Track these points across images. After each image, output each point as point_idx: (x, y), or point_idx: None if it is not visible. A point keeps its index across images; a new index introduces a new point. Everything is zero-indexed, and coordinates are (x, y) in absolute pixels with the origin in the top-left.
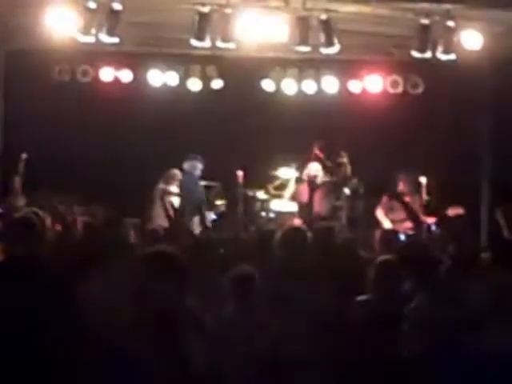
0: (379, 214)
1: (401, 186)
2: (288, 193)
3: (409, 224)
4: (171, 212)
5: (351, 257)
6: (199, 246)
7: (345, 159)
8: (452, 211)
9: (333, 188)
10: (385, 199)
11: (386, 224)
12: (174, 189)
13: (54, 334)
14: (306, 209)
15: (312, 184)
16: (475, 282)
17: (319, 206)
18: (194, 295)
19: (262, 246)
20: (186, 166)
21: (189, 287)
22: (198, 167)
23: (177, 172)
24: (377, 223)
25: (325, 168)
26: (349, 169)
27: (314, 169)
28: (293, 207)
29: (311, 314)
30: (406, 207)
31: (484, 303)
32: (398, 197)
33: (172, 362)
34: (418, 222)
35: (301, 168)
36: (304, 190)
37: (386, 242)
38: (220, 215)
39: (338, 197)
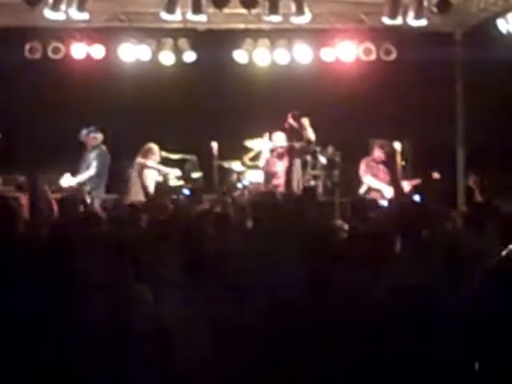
0: (371, 181)
1: (377, 152)
2: (261, 164)
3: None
4: (149, 186)
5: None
6: (176, 219)
7: (305, 123)
8: (429, 176)
9: (296, 153)
10: (364, 165)
11: (386, 191)
12: (151, 163)
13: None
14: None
15: (278, 154)
16: None
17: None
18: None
19: (238, 216)
20: (93, 140)
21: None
22: (100, 138)
23: (154, 146)
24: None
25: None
26: (309, 132)
27: (279, 139)
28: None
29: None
30: (392, 172)
31: None
32: (387, 161)
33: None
34: (398, 188)
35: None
36: (272, 160)
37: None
38: (192, 191)
39: (315, 166)
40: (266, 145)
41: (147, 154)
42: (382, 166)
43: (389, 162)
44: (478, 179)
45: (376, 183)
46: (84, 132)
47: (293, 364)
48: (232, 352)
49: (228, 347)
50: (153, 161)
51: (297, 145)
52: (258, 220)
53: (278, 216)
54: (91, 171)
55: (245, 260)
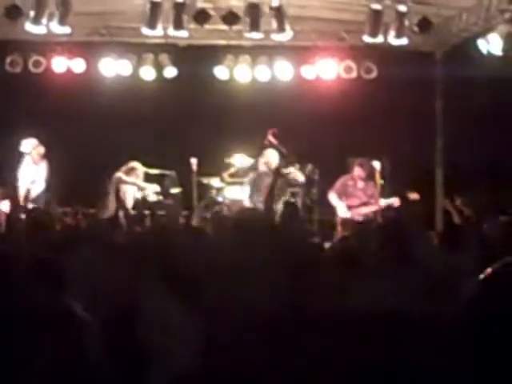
0: (333, 198)
1: (357, 171)
2: (248, 179)
3: (364, 209)
4: (125, 201)
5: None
6: (153, 232)
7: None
8: (409, 196)
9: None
10: (339, 184)
11: (341, 209)
12: (129, 178)
13: None
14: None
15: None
16: None
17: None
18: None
19: (217, 232)
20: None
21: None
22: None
23: (137, 165)
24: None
25: (281, 154)
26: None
27: (273, 156)
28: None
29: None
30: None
31: None
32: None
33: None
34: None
35: (256, 155)
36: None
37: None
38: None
39: (293, 183)
40: (247, 161)
41: (130, 172)
42: (360, 184)
43: (368, 179)
44: (454, 201)
45: (335, 201)
46: (29, 144)
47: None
48: (212, 366)
49: (208, 361)
50: (133, 179)
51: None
52: (238, 235)
53: (259, 232)
54: (42, 185)
55: (222, 274)
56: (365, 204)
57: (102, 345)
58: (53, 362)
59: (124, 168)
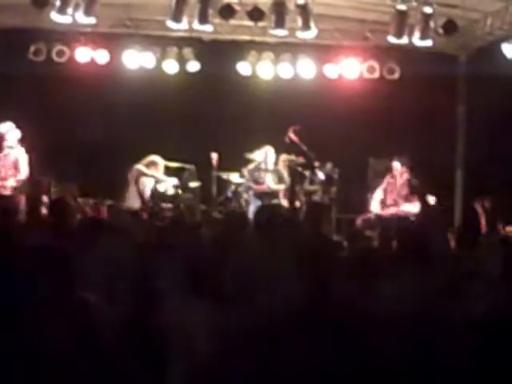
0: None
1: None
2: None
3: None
4: (145, 194)
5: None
6: (174, 227)
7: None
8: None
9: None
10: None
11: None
12: (149, 171)
13: None
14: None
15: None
16: None
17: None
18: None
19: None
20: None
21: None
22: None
23: (158, 159)
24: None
25: (301, 152)
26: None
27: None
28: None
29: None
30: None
31: None
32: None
33: None
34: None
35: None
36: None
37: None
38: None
39: (313, 181)
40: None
41: (150, 165)
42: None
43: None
44: (485, 204)
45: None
46: (3, 127)
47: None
48: (231, 361)
49: (227, 356)
50: (153, 172)
51: (296, 159)
52: (262, 231)
53: (282, 229)
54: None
55: (244, 271)
56: (404, 200)
57: (118, 336)
58: (68, 351)
59: (144, 161)
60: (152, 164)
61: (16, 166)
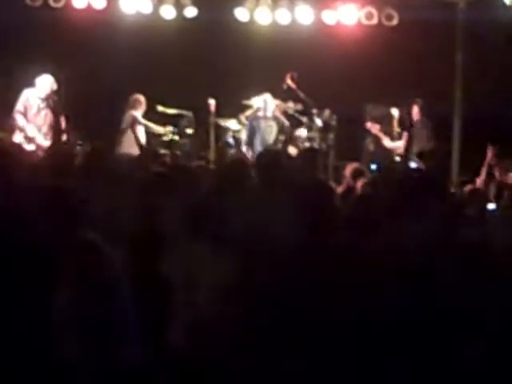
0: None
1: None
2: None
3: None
4: (142, 140)
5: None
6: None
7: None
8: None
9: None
10: None
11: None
12: (139, 114)
13: None
14: None
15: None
16: None
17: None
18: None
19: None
20: None
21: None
22: None
23: (141, 96)
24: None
25: (298, 98)
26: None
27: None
28: None
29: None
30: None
31: None
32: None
33: None
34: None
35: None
36: None
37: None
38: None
39: (310, 127)
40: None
41: (135, 104)
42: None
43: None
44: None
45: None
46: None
47: (293, 317)
48: (234, 307)
49: (230, 304)
50: (140, 111)
51: (294, 106)
52: (262, 177)
53: (281, 173)
54: None
55: (246, 214)
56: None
57: (127, 280)
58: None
59: (130, 102)
60: (137, 102)
61: None
